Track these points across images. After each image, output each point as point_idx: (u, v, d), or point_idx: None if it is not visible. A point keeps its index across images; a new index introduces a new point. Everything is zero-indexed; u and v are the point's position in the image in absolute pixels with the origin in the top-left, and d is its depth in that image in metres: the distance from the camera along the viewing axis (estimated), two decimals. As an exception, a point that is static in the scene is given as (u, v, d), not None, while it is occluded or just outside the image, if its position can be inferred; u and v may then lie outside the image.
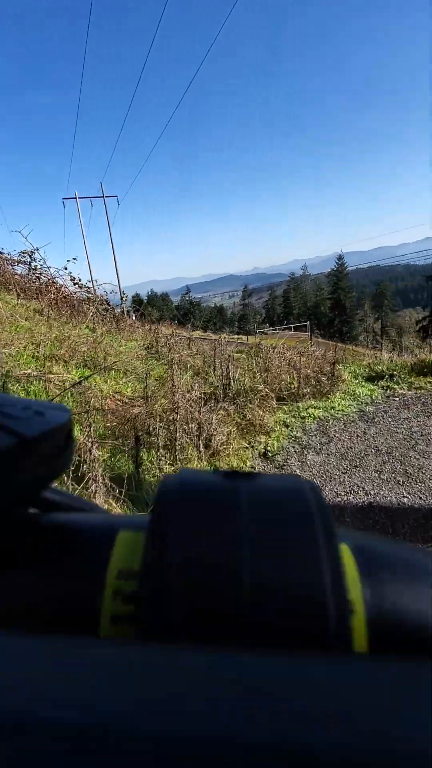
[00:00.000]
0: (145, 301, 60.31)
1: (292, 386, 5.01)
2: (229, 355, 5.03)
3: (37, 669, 0.10)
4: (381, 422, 4.21)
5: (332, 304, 47.25)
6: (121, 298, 10.16)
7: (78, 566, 0.17)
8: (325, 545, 0.15)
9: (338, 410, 4.56)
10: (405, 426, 4.06)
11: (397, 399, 5.02)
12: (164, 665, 0.10)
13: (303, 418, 4.35)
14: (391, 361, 6.55)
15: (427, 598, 0.16)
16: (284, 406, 4.63)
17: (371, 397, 5.09)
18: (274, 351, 5.96)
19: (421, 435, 3.82)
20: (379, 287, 59.73)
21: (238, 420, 4.07)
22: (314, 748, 0.08)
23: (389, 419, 4.28)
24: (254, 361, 5.61)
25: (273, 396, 4.68)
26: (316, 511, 0.16)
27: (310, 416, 4.38)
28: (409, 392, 5.34)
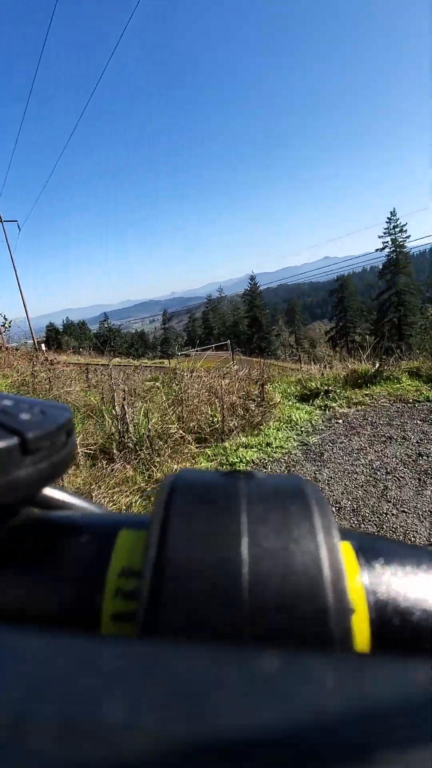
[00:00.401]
0: (61, 329, 56.50)
1: (215, 420, 3.83)
2: (125, 390, 3.70)
3: (37, 666, 0.10)
4: (332, 459, 3.17)
5: (249, 322, 48.22)
6: (3, 324, 8.31)
7: (79, 564, 0.17)
8: (325, 544, 0.15)
9: (276, 447, 3.46)
10: (363, 461, 3.06)
11: (341, 421, 4.09)
12: (165, 663, 0.10)
13: (232, 465, 3.16)
14: (323, 374, 5.74)
15: (430, 597, 0.16)
16: (207, 450, 3.41)
17: (311, 423, 4.09)
18: (191, 376, 4.79)
19: (387, 472, 2.84)
20: (290, 303, 62.81)
21: (142, 483, 2.75)
22: (315, 745, 0.08)
23: (340, 452, 3.27)
24: (165, 392, 4.37)
25: (191, 438, 3.45)
26: (315, 510, 0.16)
27: (241, 461, 3.20)
28: (351, 410, 4.47)
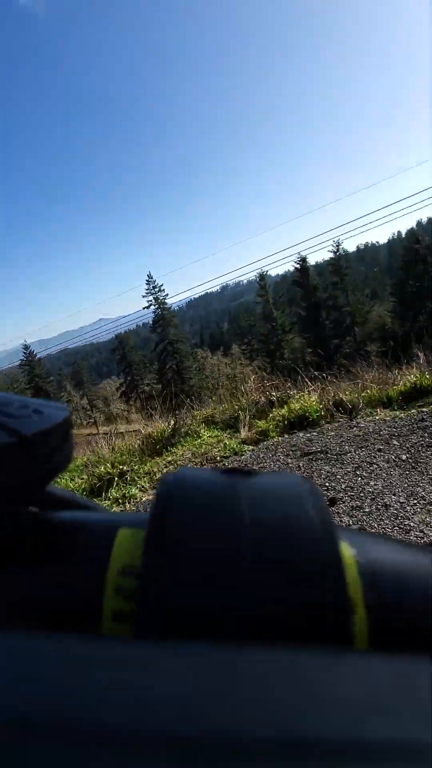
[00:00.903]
0: None
1: None
2: None
3: (37, 667, 0.09)
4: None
5: (33, 393, 42.93)
6: None
7: (79, 563, 0.16)
8: (324, 543, 0.14)
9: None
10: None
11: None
12: (165, 662, 0.10)
13: None
14: (113, 449, 4.46)
15: (427, 597, 0.15)
16: None
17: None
18: None
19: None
20: (74, 367, 60.07)
21: None
22: (314, 742, 0.08)
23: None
24: None
25: None
26: (315, 509, 0.16)
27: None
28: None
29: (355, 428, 3.75)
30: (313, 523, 0.15)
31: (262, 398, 4.99)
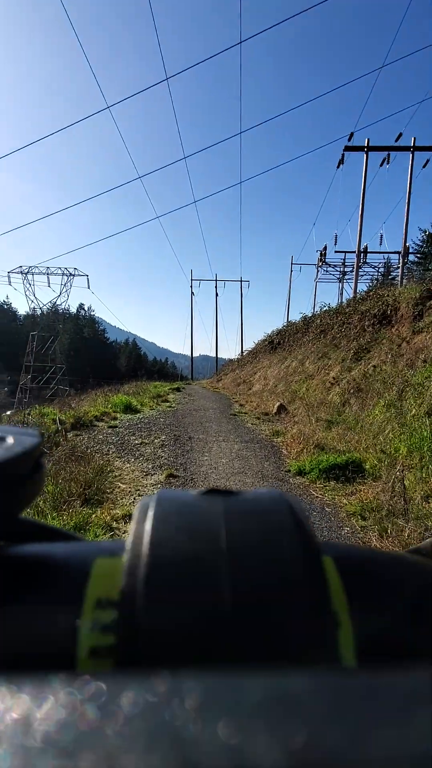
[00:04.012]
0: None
1: None
2: None
3: (7, 714, 0.08)
4: None
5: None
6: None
7: (52, 598, 0.14)
8: (306, 559, 0.14)
9: None
10: None
11: None
12: (148, 696, 0.09)
13: None
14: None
15: (411, 608, 0.15)
16: None
17: None
18: None
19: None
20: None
21: None
22: (304, 764, 0.07)
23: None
24: None
25: None
26: (296, 526, 0.15)
27: None
28: None
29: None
30: (295, 541, 0.14)
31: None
